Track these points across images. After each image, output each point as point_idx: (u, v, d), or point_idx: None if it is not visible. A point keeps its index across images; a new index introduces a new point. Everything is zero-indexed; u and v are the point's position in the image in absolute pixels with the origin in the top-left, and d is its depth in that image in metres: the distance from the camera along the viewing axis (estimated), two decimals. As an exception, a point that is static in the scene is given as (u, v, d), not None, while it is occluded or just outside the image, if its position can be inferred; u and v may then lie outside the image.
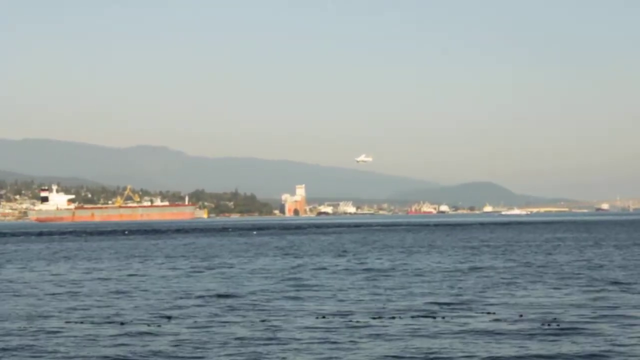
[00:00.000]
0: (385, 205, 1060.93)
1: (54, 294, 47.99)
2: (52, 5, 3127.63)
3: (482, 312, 36.48)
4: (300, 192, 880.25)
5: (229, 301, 42.09)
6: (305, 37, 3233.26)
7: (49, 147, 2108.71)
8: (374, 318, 34.98)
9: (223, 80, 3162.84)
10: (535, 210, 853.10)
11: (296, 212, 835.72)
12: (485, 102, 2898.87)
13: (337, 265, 67.74)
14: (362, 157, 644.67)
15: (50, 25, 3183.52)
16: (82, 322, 34.91)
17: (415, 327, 32.44)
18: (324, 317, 35.26)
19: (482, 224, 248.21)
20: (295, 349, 28.09)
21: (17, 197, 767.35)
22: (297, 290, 47.06)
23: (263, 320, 34.75)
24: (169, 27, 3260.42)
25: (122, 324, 34.33)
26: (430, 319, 34.39)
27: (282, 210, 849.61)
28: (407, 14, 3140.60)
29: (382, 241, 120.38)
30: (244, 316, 36.24)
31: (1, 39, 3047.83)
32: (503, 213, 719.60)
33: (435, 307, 38.21)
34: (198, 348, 28.47)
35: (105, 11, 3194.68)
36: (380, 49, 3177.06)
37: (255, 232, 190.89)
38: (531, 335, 30.26)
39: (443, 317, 34.83)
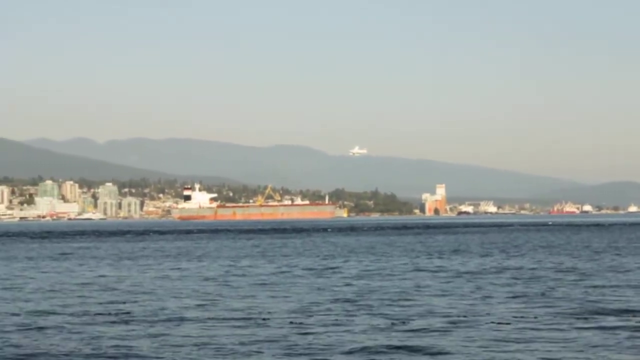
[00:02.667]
0: (526, 205, 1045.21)
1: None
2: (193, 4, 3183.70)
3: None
4: (441, 191, 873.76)
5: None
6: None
7: (192, 146, 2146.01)
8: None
9: (363, 78, 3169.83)
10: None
11: (436, 211, 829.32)
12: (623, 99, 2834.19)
13: None
14: (356, 149, 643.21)
15: (193, 26, 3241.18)
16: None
17: None
18: None
19: None
20: None
21: (161, 195, 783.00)
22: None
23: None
24: (305, 27, 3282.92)
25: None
26: None
27: (422, 210, 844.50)
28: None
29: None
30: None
31: (146, 44, 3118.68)
32: None
33: None
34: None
35: (252, 11, 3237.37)
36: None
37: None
38: None
39: None
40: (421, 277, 56.46)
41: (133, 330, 32.38)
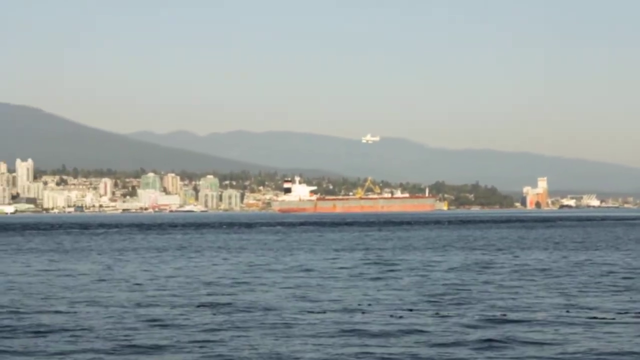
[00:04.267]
0: (630, 199, 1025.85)
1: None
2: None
3: None
4: (542, 184, 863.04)
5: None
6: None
7: (292, 139, 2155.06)
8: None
9: (461, 72, 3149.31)
10: None
11: (538, 205, 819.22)
12: None
13: None
14: (368, 137, 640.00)
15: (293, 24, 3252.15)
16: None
17: None
18: None
19: None
20: None
21: (261, 188, 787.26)
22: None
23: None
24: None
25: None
26: None
27: (524, 203, 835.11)
28: None
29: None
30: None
31: (249, 38, 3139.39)
32: None
33: None
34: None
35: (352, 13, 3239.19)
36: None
37: None
38: None
39: None
40: None
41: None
